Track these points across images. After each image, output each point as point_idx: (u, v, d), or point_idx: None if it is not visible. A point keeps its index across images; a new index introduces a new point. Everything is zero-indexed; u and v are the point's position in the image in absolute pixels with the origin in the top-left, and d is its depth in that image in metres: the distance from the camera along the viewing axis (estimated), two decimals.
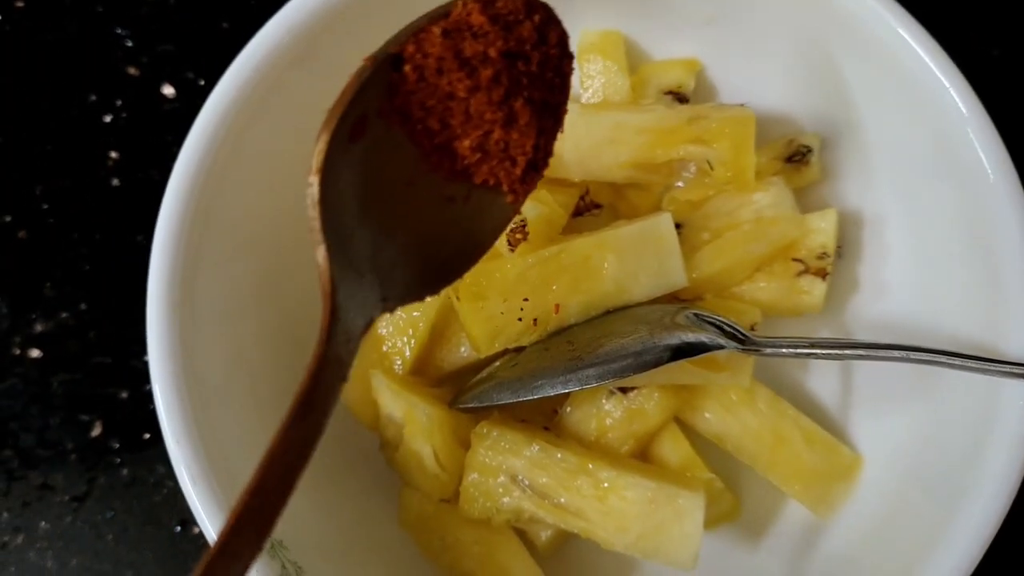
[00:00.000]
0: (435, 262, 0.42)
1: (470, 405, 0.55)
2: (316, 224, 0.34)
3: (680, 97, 0.63)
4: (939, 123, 0.52)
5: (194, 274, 0.52)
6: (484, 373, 0.56)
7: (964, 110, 0.51)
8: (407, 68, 0.39)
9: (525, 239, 0.55)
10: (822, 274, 0.58)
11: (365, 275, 0.37)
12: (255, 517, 0.30)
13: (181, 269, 0.51)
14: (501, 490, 0.54)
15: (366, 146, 0.37)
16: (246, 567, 0.30)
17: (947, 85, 0.51)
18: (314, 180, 0.35)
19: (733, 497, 0.59)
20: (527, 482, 0.54)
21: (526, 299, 0.55)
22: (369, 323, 0.36)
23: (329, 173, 0.35)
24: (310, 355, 0.60)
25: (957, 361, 0.47)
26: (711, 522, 0.58)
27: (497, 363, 0.56)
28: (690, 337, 0.51)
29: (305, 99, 0.57)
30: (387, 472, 0.60)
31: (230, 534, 0.29)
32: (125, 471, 0.64)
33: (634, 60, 0.64)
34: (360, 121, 0.36)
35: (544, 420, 0.58)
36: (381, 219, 0.38)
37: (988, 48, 0.72)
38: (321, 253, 0.34)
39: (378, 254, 0.38)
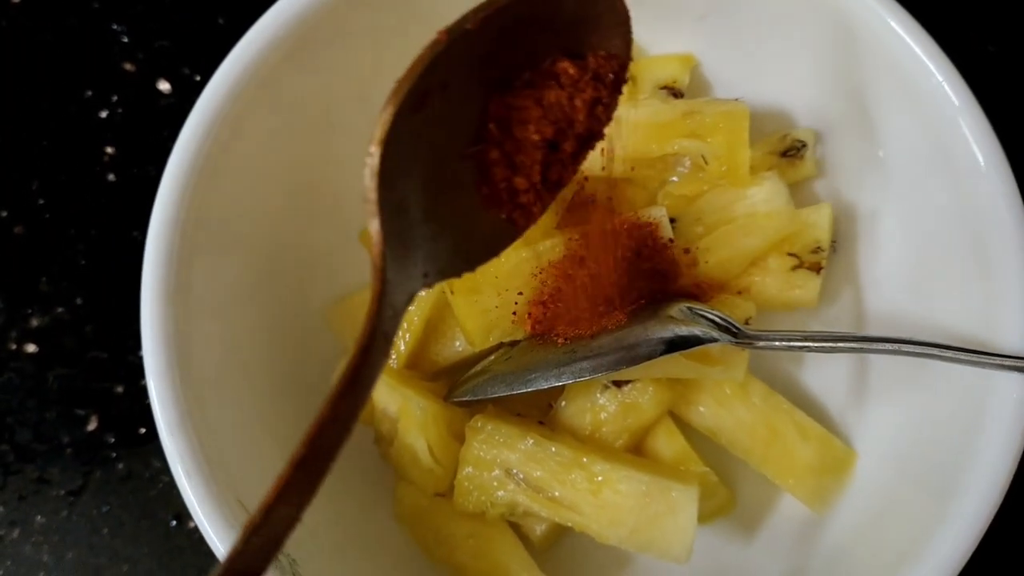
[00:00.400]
0: (475, 238, 0.42)
1: (464, 399, 0.55)
2: (373, 196, 0.34)
3: (675, 92, 0.63)
4: (932, 116, 0.52)
5: (188, 269, 0.52)
6: (478, 367, 0.56)
7: (957, 102, 0.51)
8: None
9: None
10: (816, 268, 0.58)
11: (411, 249, 0.37)
12: (299, 485, 0.31)
13: (175, 263, 0.51)
14: (496, 484, 0.55)
15: (425, 118, 0.37)
16: (283, 537, 0.30)
17: (940, 79, 0.51)
18: (376, 151, 0.34)
19: (727, 491, 0.59)
20: (521, 476, 0.54)
21: (520, 293, 0.55)
22: (411, 298, 0.36)
23: (389, 145, 0.35)
24: (305, 350, 0.60)
25: (949, 354, 0.47)
26: (706, 516, 0.58)
27: (491, 357, 0.57)
28: (683, 330, 0.51)
29: (299, 94, 0.58)
30: (382, 466, 0.60)
31: (275, 501, 0.29)
32: (121, 466, 0.64)
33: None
34: (425, 94, 0.36)
35: (539, 414, 0.59)
36: (429, 192, 0.38)
37: (984, 45, 0.72)
38: (375, 226, 0.34)
39: (423, 228, 0.38)
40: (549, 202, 0.44)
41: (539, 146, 0.42)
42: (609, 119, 0.44)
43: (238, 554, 0.29)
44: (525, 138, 0.41)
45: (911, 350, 0.48)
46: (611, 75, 0.43)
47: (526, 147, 0.41)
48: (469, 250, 0.41)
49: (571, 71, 0.42)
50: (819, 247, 0.58)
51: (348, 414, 0.32)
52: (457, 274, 0.41)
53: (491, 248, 0.43)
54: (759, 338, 0.51)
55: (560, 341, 0.53)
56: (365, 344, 0.32)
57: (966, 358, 0.47)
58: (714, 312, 0.52)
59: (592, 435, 0.57)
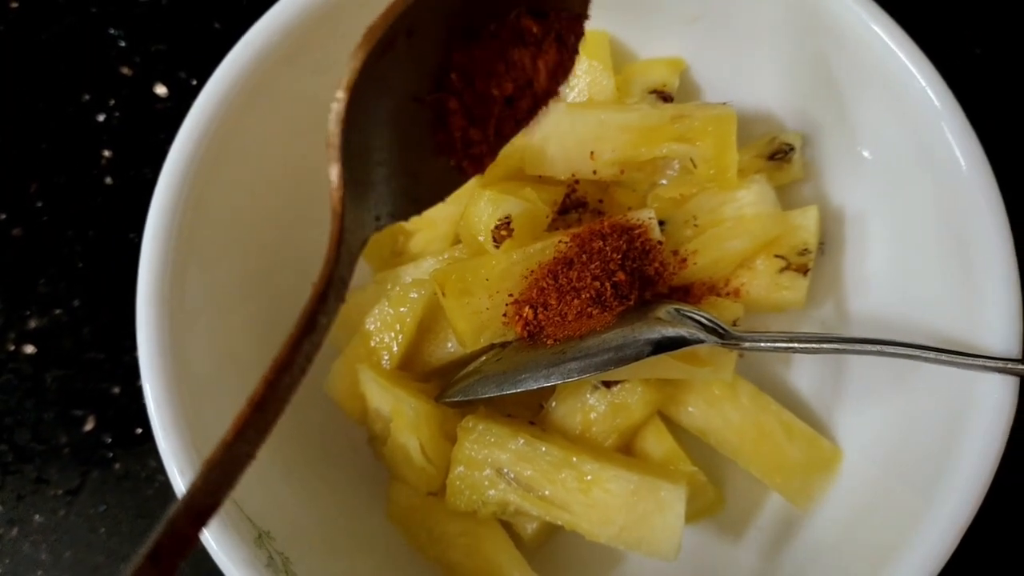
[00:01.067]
0: (424, 182, 0.42)
1: (456, 399, 0.56)
2: (336, 141, 0.34)
3: (664, 96, 0.63)
4: (915, 120, 0.53)
5: (183, 270, 0.53)
6: (470, 368, 0.57)
7: (939, 106, 0.52)
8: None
9: (510, 236, 0.56)
10: (803, 270, 0.59)
11: (367, 194, 0.37)
12: (256, 425, 0.31)
13: (170, 265, 0.52)
14: (487, 483, 0.55)
15: (388, 63, 0.36)
16: (238, 474, 0.31)
17: (923, 83, 0.52)
18: (342, 96, 0.34)
19: (716, 490, 0.60)
20: (512, 475, 0.55)
21: (511, 295, 0.55)
22: (365, 242, 0.37)
23: (355, 90, 0.35)
24: None
25: (931, 355, 0.48)
26: (695, 515, 0.59)
27: (483, 358, 0.57)
28: (670, 332, 0.52)
29: (294, 96, 0.58)
30: (375, 466, 0.61)
31: (233, 439, 0.30)
32: (118, 465, 0.65)
33: (619, 60, 0.65)
34: (391, 40, 0.36)
35: (530, 415, 0.59)
36: (386, 136, 0.38)
37: (971, 47, 0.73)
38: (336, 171, 0.34)
39: (378, 171, 0.38)
40: (497, 152, 0.44)
41: (498, 101, 0.42)
42: (566, 79, 0.45)
43: (197, 489, 0.29)
44: (486, 92, 0.41)
45: (894, 351, 0.49)
46: (572, 37, 0.43)
47: (485, 100, 0.41)
48: (418, 194, 0.41)
49: (534, 29, 0.42)
50: (806, 249, 0.59)
51: (304, 357, 0.33)
52: (405, 217, 0.41)
53: (438, 192, 0.43)
54: (745, 339, 0.52)
55: (550, 342, 0.54)
56: (321, 290, 0.33)
57: (948, 359, 0.48)
58: (701, 313, 0.53)
59: (582, 435, 0.58)
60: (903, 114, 0.54)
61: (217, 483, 0.30)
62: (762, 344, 0.52)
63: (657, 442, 0.58)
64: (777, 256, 0.60)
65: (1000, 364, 0.47)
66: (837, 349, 0.50)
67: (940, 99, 0.52)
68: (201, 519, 0.29)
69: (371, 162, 0.37)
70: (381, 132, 0.37)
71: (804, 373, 0.62)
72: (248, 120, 0.56)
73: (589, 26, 0.64)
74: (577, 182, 0.61)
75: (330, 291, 0.33)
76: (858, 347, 0.50)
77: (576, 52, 0.44)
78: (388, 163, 0.38)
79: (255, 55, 0.54)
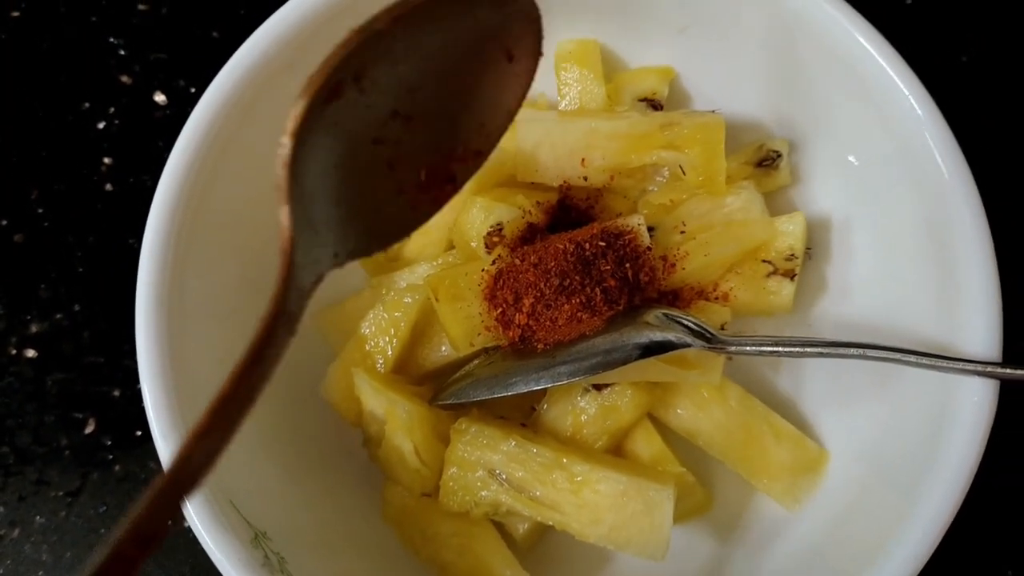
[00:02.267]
0: (386, 219, 0.43)
1: (449, 402, 0.57)
2: (283, 184, 0.35)
3: (654, 104, 0.65)
4: (898, 128, 0.54)
5: (182, 276, 0.54)
6: (462, 371, 0.58)
7: (921, 115, 0.53)
8: None
9: (502, 242, 0.57)
10: (790, 275, 0.60)
11: (320, 233, 0.38)
12: (200, 458, 0.31)
13: (169, 270, 0.53)
14: (479, 484, 0.56)
15: (339, 107, 0.38)
16: (178, 506, 0.31)
17: (906, 92, 0.53)
18: (287, 142, 0.35)
19: (705, 491, 0.61)
20: (504, 476, 0.56)
21: (504, 300, 0.56)
22: (319, 279, 0.38)
23: (300, 135, 0.36)
24: (295, 354, 0.62)
25: (912, 358, 0.49)
26: (684, 515, 0.60)
27: (475, 362, 0.58)
28: (658, 336, 0.53)
29: (285, 107, 0.59)
30: (371, 469, 0.62)
31: (175, 472, 0.30)
32: (117, 467, 0.66)
33: (610, 69, 0.66)
34: (338, 85, 0.37)
35: (522, 417, 0.60)
36: (342, 177, 0.39)
37: (958, 55, 0.74)
38: (284, 213, 0.35)
39: (334, 212, 0.39)
40: (461, 187, 0.45)
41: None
42: (524, 97, 0.46)
43: (140, 517, 0.30)
44: None
45: (875, 355, 0.50)
46: (527, 56, 0.44)
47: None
48: (381, 231, 0.42)
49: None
50: (793, 254, 0.60)
51: (250, 389, 0.33)
52: (368, 253, 0.42)
53: (402, 229, 0.44)
54: (731, 343, 0.53)
55: (540, 347, 0.55)
56: (268, 324, 0.34)
57: (929, 363, 0.49)
58: (689, 318, 0.54)
59: (573, 437, 0.59)
60: (886, 123, 0.55)
61: (160, 510, 0.30)
62: (748, 348, 0.53)
63: (646, 444, 0.59)
64: (764, 261, 0.61)
65: (980, 367, 0.48)
66: (821, 353, 0.51)
67: (922, 108, 0.53)
68: (146, 544, 0.30)
69: (326, 202, 0.38)
70: (336, 173, 0.39)
71: (791, 376, 0.63)
72: (246, 128, 0.57)
73: (580, 35, 0.66)
74: (569, 189, 0.62)
75: (277, 326, 0.34)
76: (842, 351, 0.51)
77: (533, 69, 0.45)
78: (345, 203, 0.40)
79: (253, 64, 0.56)
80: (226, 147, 0.56)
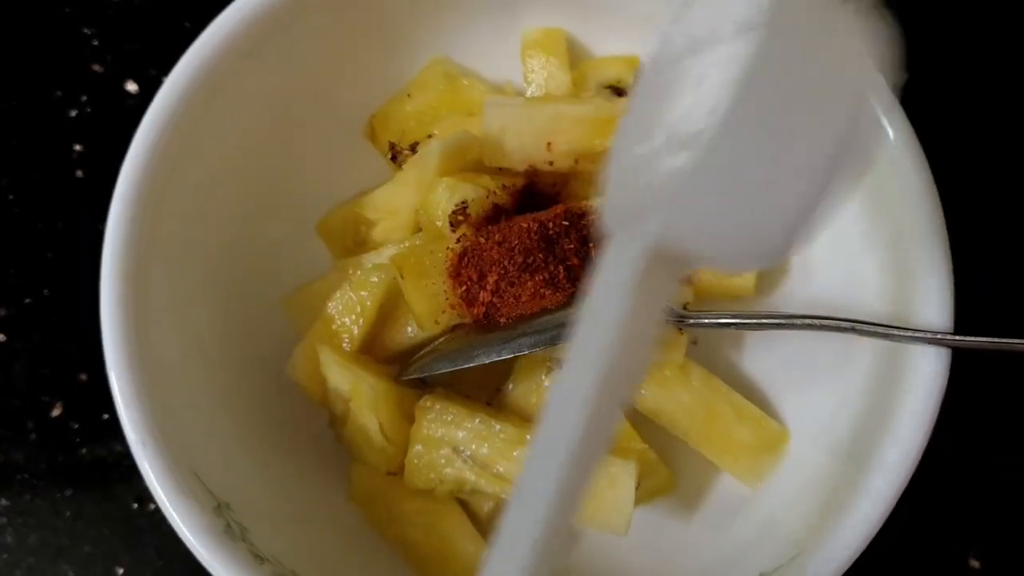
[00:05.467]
0: None
1: (412, 376, 0.57)
2: None
3: (619, 91, 0.66)
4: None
5: (147, 262, 0.54)
6: (427, 348, 0.59)
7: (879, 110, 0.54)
8: None
9: (467, 221, 0.58)
10: None
11: None
12: None
13: (134, 257, 0.53)
14: (444, 461, 0.57)
15: None
16: None
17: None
18: None
19: (668, 471, 0.61)
20: (468, 453, 0.57)
21: (469, 277, 0.57)
22: None
23: None
24: (262, 336, 0.62)
25: (867, 328, 0.50)
26: (648, 495, 0.61)
27: (441, 339, 0.59)
28: None
29: (256, 90, 0.60)
30: (337, 450, 0.62)
31: None
32: (84, 450, 0.66)
33: (575, 57, 0.67)
34: None
35: (488, 396, 0.61)
36: None
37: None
38: None
39: None
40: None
41: None
42: None
43: None
44: None
45: (827, 325, 0.51)
46: None
47: None
48: None
49: None
50: None
51: None
52: None
53: None
54: (688, 316, 0.54)
55: (503, 321, 0.56)
56: None
57: (883, 331, 0.50)
58: None
59: (538, 415, 0.59)
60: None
61: None
62: (705, 320, 0.54)
63: None
64: None
65: (930, 336, 0.49)
66: (778, 324, 0.52)
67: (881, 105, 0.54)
68: None
69: None
70: None
71: (755, 358, 0.64)
72: (211, 113, 0.57)
73: (547, 23, 0.67)
74: (535, 174, 0.63)
75: None
76: (797, 322, 0.52)
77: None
78: None
79: (215, 50, 0.56)
80: (190, 132, 0.56)
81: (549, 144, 0.61)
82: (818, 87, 0.28)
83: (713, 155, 0.27)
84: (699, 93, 0.27)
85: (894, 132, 0.53)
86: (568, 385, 0.32)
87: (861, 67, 0.28)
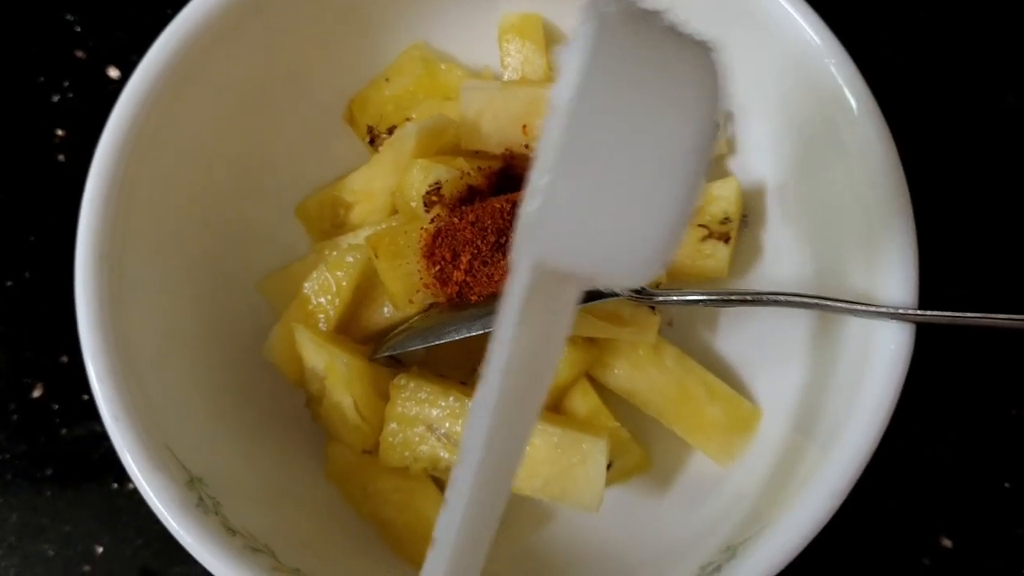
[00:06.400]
0: None
1: (386, 354, 0.58)
2: None
3: None
4: (823, 95, 0.56)
5: (122, 248, 0.55)
6: (401, 327, 0.59)
7: (841, 81, 0.54)
8: None
9: (441, 202, 0.59)
10: (725, 238, 0.62)
11: None
12: None
13: (108, 243, 0.54)
14: (418, 439, 0.57)
15: None
16: None
17: (828, 59, 0.55)
18: None
19: (642, 450, 0.62)
20: (443, 431, 0.57)
21: (444, 257, 0.58)
22: None
23: None
24: (239, 316, 0.63)
25: (828, 304, 0.51)
26: (622, 474, 0.61)
27: (415, 317, 0.60)
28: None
29: (232, 73, 0.61)
30: (314, 430, 0.63)
31: None
32: (64, 431, 0.66)
33: (552, 42, 0.68)
34: None
35: (463, 376, 0.62)
36: None
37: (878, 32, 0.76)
38: None
39: None
40: None
41: None
42: None
43: None
44: None
45: (797, 302, 0.52)
46: None
47: None
48: None
49: None
50: (727, 218, 0.62)
51: None
52: None
53: None
54: (658, 294, 0.55)
55: (475, 299, 0.56)
56: None
57: (847, 308, 0.51)
58: None
59: None
60: (814, 93, 0.57)
61: None
62: (674, 298, 0.54)
63: (583, 401, 0.60)
64: (699, 225, 0.62)
65: (892, 311, 0.50)
66: (745, 301, 0.53)
67: (844, 75, 0.54)
68: None
69: None
70: None
71: (729, 339, 0.65)
72: (186, 96, 0.58)
73: (523, 9, 0.68)
74: (512, 158, 0.64)
75: None
76: (764, 299, 0.53)
77: None
78: None
79: (189, 33, 0.57)
80: (165, 115, 0.57)
81: (525, 127, 0.62)
82: (654, 105, 0.29)
83: (560, 178, 0.29)
84: (552, 119, 0.30)
85: (858, 107, 0.54)
86: (477, 400, 0.34)
87: (699, 81, 0.30)
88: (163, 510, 0.48)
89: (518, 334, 0.33)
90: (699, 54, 0.30)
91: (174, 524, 0.48)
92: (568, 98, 0.29)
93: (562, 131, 0.29)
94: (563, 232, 0.30)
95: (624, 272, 0.31)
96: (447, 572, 0.34)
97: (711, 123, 0.30)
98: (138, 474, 0.49)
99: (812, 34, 0.56)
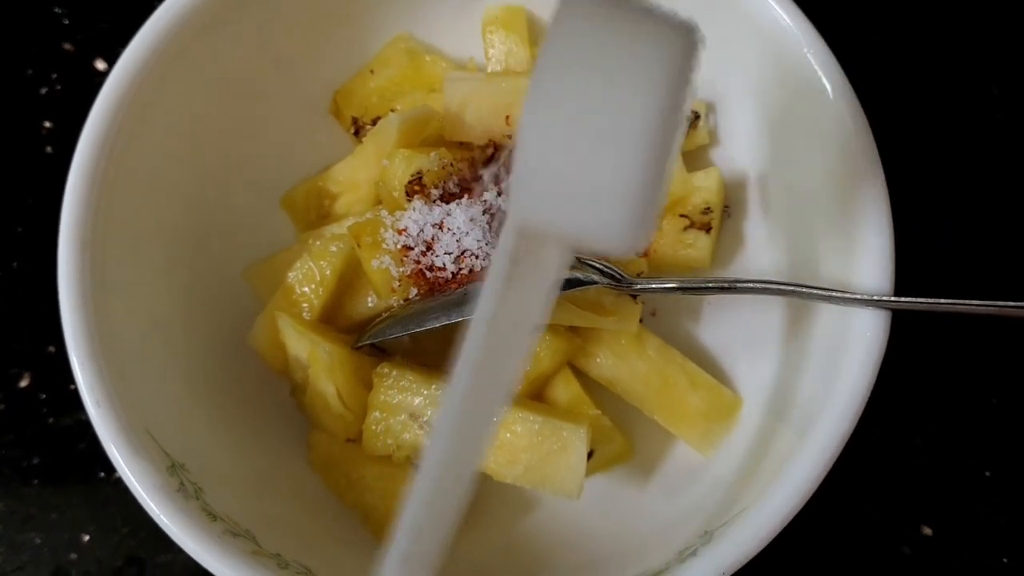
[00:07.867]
0: None
1: (367, 342, 0.58)
2: None
3: None
4: (802, 88, 0.56)
5: (104, 238, 0.55)
6: (383, 317, 0.60)
7: (821, 73, 0.55)
8: None
9: (422, 191, 0.59)
10: (706, 228, 0.62)
11: None
12: None
13: (91, 233, 0.54)
14: (401, 427, 0.58)
15: None
16: None
17: (806, 50, 0.55)
18: None
19: (624, 439, 0.62)
20: (425, 419, 0.58)
21: (427, 245, 0.58)
22: None
23: None
24: (224, 305, 0.63)
25: (804, 291, 0.51)
26: (605, 463, 0.62)
27: (396, 306, 0.60)
28: (567, 273, 0.55)
29: (216, 64, 0.61)
30: (299, 419, 0.63)
31: None
32: (51, 420, 0.67)
33: (536, 34, 0.68)
34: None
35: (446, 365, 0.62)
36: None
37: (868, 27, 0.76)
38: None
39: None
40: None
41: None
42: None
43: None
44: None
45: (774, 289, 0.52)
46: None
47: None
48: None
49: None
50: (708, 208, 0.62)
51: None
52: None
53: None
54: (637, 282, 0.55)
55: (454, 286, 0.57)
56: None
57: (823, 294, 0.51)
58: (600, 261, 0.56)
59: None
60: (792, 84, 0.57)
61: None
62: (653, 286, 0.55)
63: (565, 389, 0.61)
64: (681, 216, 0.63)
65: (867, 298, 0.50)
66: (723, 289, 0.53)
67: (823, 68, 0.55)
68: None
69: None
70: None
71: (712, 328, 0.65)
72: (170, 86, 0.59)
73: (507, 1, 0.68)
74: (495, 147, 0.64)
75: None
76: (741, 286, 0.53)
77: None
78: None
79: (172, 22, 0.57)
80: (149, 105, 0.58)
81: (508, 118, 0.62)
82: (620, 67, 0.30)
83: (530, 138, 0.30)
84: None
85: (833, 93, 0.54)
86: (457, 369, 0.35)
87: (667, 43, 0.30)
88: (143, 494, 0.48)
89: (501, 299, 0.33)
90: (670, 23, 0.31)
91: (154, 508, 0.48)
92: (536, 65, 0.29)
93: (529, 93, 0.29)
94: (538, 192, 0.31)
95: (602, 233, 0.31)
96: (404, 552, 0.35)
97: (680, 88, 0.30)
98: (119, 459, 0.49)
99: (790, 22, 0.56)
